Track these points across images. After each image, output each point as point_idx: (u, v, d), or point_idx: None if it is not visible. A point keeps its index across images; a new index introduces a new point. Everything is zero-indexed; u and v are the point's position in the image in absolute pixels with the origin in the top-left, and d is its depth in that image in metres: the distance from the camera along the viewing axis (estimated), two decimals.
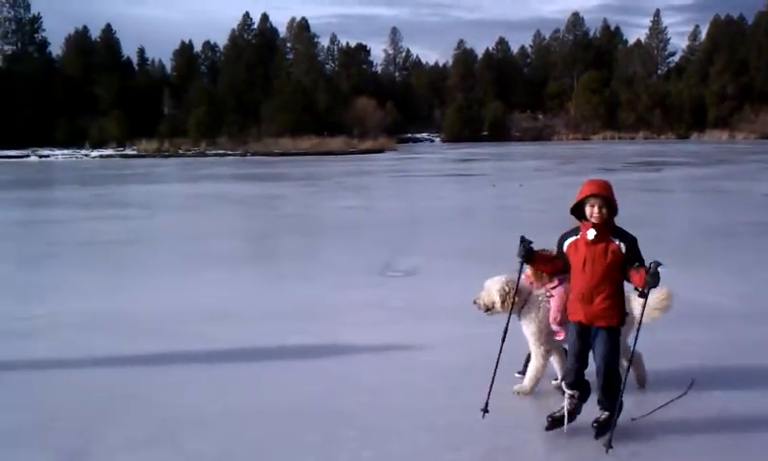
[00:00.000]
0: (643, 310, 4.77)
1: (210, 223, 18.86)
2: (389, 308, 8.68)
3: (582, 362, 4.94)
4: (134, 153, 69.83)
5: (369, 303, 8.96)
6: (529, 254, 4.98)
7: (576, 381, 4.93)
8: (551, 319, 5.52)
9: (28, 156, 65.45)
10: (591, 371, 4.95)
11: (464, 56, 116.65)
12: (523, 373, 5.80)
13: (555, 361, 5.75)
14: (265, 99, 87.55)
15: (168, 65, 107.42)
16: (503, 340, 5.14)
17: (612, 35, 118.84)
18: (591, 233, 4.76)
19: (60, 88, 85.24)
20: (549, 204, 20.69)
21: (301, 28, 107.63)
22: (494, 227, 16.45)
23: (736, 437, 5.00)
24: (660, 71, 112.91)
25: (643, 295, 4.69)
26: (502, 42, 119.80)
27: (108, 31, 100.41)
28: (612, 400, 4.78)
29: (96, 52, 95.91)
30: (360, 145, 73.48)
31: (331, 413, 5.43)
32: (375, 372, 6.36)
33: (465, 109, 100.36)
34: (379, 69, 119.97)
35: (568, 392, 4.95)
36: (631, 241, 4.78)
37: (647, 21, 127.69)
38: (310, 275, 11.13)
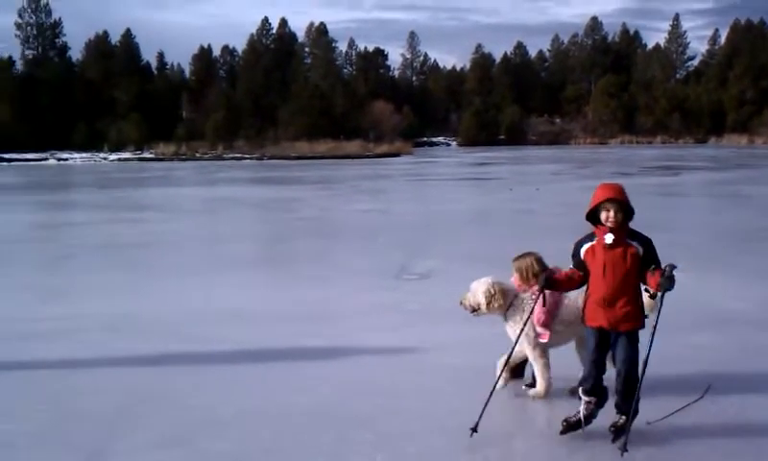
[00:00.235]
0: (658, 314, 4.75)
1: (227, 226, 18.96)
2: (404, 311, 8.70)
3: (601, 369, 4.92)
4: (152, 156, 70.19)
5: (384, 306, 8.98)
6: (549, 285, 5.01)
7: (594, 388, 4.91)
8: (536, 320, 5.53)
9: (47, 159, 65.97)
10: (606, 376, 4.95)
11: (481, 60, 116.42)
12: (531, 385, 5.83)
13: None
14: (282, 103, 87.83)
15: (187, 69, 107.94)
16: (506, 363, 5.15)
17: (631, 39, 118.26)
18: (609, 238, 4.75)
19: (79, 92, 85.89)
20: (566, 208, 20.65)
21: (320, 32, 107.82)
22: (511, 231, 16.41)
23: (752, 442, 4.98)
24: (678, 75, 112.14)
25: (654, 297, 4.68)
26: (520, 47, 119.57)
27: (128, 35, 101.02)
28: (630, 404, 4.76)
29: (116, 56, 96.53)
30: (376, 149, 73.51)
31: (346, 415, 5.45)
32: (390, 374, 6.38)
33: (482, 112, 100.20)
34: (397, 73, 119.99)
35: (585, 398, 4.93)
36: (647, 243, 4.79)
37: (666, 25, 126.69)
38: (326, 278, 11.17)
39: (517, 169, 44.40)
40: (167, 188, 33.50)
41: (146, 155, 71.39)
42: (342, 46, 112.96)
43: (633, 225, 4.86)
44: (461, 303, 5.80)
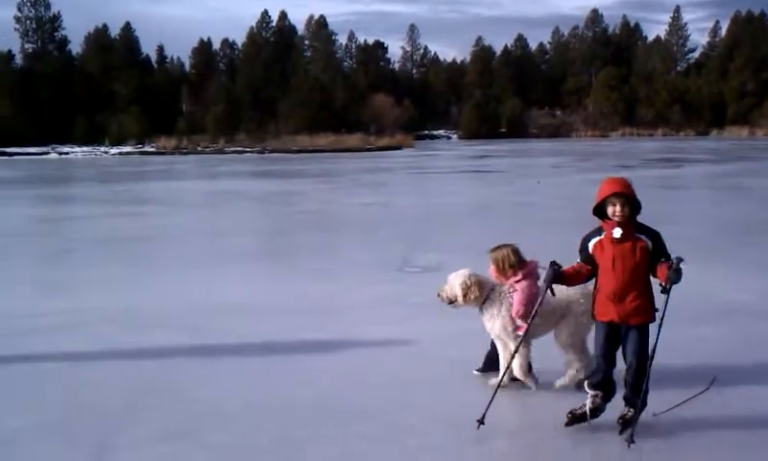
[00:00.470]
0: (665, 307, 4.72)
1: (229, 219, 18.96)
2: (408, 304, 8.68)
3: (611, 363, 4.91)
4: (153, 150, 70.18)
5: (388, 299, 8.97)
6: (557, 279, 4.96)
7: (602, 382, 4.89)
8: (514, 312, 5.52)
9: (48, 153, 65.96)
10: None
11: (482, 53, 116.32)
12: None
13: (505, 356, 5.70)
14: (283, 96, 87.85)
15: (187, 63, 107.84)
16: (512, 357, 5.13)
17: (631, 31, 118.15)
18: (617, 232, 4.73)
19: (79, 86, 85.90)
20: (567, 201, 20.65)
21: (320, 25, 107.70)
22: (512, 224, 16.38)
23: (757, 433, 4.98)
24: (679, 67, 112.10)
25: (666, 291, 4.67)
26: (521, 39, 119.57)
27: (128, 29, 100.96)
28: (638, 396, 4.75)
29: (115, 50, 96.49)
30: (377, 142, 73.56)
31: (350, 408, 5.44)
32: (395, 367, 6.38)
33: (482, 105, 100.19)
34: (397, 66, 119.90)
35: (591, 392, 4.92)
36: (656, 236, 4.77)
37: (667, 17, 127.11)
38: (328, 271, 11.15)
39: (518, 162, 44.38)
40: (168, 182, 33.48)
41: (147, 148, 71.37)
42: (342, 39, 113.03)
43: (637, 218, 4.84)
44: (438, 295, 5.81)
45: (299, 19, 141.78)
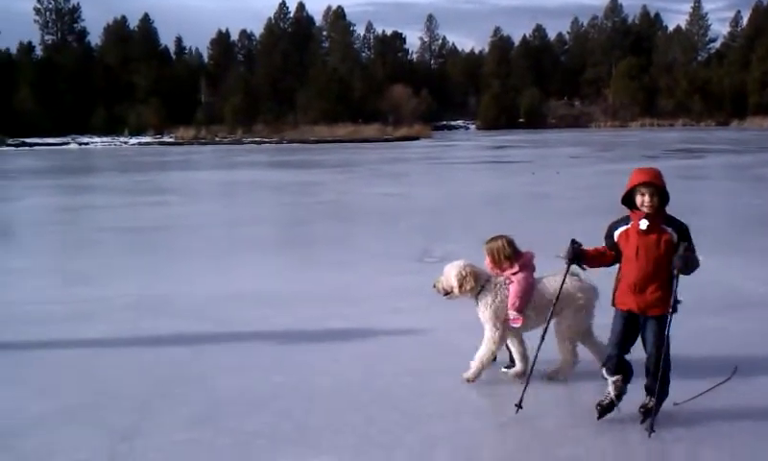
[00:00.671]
0: (674, 296, 4.70)
1: (247, 209, 19.05)
2: (429, 294, 8.62)
3: (625, 351, 4.90)
4: (172, 140, 70.59)
5: (407, 288, 8.97)
6: (577, 256, 4.94)
7: (618, 365, 4.89)
8: (509, 304, 5.52)
9: (68, 143, 66.52)
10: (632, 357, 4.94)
11: (500, 43, 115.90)
12: (510, 366, 5.85)
13: (513, 348, 5.75)
14: (301, 87, 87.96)
15: (205, 54, 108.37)
16: (542, 339, 5.14)
17: (651, 21, 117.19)
18: (644, 223, 4.70)
19: (98, 77, 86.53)
20: (587, 191, 20.57)
21: (337, 16, 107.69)
22: (532, 213, 16.35)
23: None
24: (700, 58, 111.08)
25: (674, 278, 4.64)
26: (539, 29, 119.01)
27: (146, 20, 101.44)
28: (660, 385, 4.74)
29: (134, 41, 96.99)
30: (395, 133, 73.55)
31: (373, 396, 5.48)
32: (417, 355, 6.43)
33: (501, 96, 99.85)
34: (415, 57, 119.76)
35: (611, 378, 4.92)
36: (683, 230, 4.72)
37: (687, 7, 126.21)
38: (349, 260, 11.20)
39: (537, 152, 44.18)
40: (187, 172, 33.65)
41: (166, 139, 71.75)
42: (360, 30, 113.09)
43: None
44: (434, 287, 5.83)
45: (316, 10, 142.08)
